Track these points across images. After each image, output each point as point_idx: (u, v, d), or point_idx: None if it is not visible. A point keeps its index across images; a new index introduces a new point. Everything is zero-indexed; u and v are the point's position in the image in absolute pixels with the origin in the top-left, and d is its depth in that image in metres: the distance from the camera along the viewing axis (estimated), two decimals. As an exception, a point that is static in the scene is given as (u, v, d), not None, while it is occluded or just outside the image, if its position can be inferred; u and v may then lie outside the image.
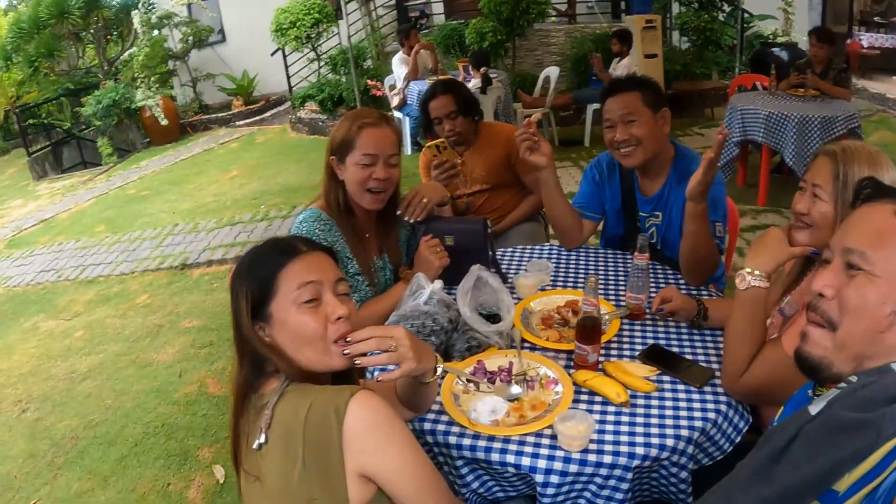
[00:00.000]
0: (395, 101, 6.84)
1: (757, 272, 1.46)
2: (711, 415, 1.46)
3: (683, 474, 1.40)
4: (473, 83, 5.96)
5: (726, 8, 8.67)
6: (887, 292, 0.93)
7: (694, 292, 2.03)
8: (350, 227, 1.95)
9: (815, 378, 1.02)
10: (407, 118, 6.72)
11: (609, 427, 1.41)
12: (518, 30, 7.74)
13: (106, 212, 7.18)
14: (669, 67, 7.75)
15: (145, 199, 7.31)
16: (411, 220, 2.04)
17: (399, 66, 6.76)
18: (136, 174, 8.63)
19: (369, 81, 7.85)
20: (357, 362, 1.16)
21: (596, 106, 6.60)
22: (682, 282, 2.09)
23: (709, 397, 1.52)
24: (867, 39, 10.14)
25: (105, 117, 9.67)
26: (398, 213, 2.03)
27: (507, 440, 1.37)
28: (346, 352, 1.15)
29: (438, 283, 1.70)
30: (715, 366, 1.65)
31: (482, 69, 6.07)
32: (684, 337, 1.78)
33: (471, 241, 2.01)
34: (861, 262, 0.95)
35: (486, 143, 2.89)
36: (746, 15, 8.41)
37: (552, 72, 6.75)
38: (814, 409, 0.93)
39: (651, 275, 1.98)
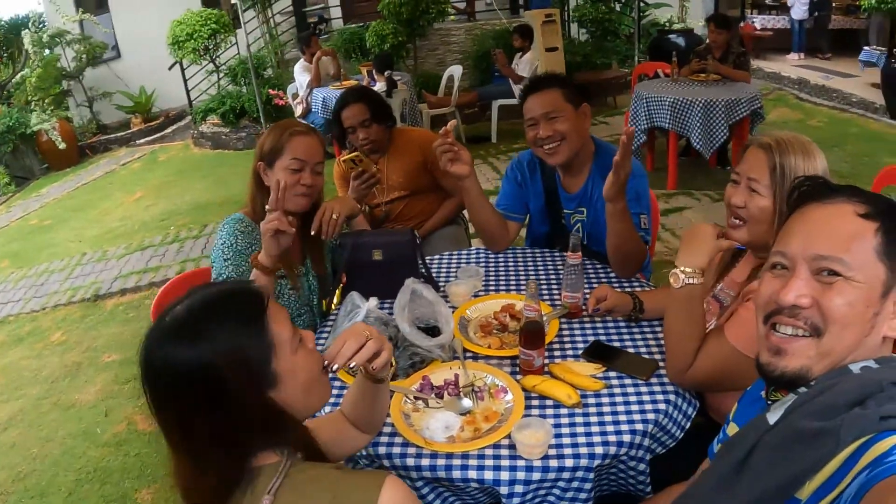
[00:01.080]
0: (298, 111, 6.85)
1: (689, 269, 1.53)
2: (662, 405, 1.54)
3: (641, 466, 1.47)
4: (378, 87, 6.00)
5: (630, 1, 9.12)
6: (870, 297, 0.95)
7: (626, 285, 2.13)
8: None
9: (784, 387, 1.02)
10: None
11: (565, 430, 1.46)
12: (419, 30, 7.86)
13: (8, 245, 6.89)
14: (570, 59, 8.12)
15: (49, 229, 7.05)
16: (325, 238, 2.06)
17: (301, 74, 6.78)
18: (37, 203, 8.29)
19: (271, 91, 7.82)
20: (352, 365, 1.11)
21: (501, 102, 6.81)
22: (612, 275, 2.19)
23: (656, 388, 1.61)
24: (760, 22, 10.88)
25: (-1, 145, 9.17)
26: (312, 232, 2.03)
27: (465, 455, 1.39)
28: (334, 367, 1.10)
29: (374, 301, 1.70)
30: (657, 356, 1.74)
31: (386, 72, 6.12)
32: (623, 331, 1.87)
33: (400, 254, 2.03)
34: (840, 269, 0.95)
35: (401, 149, 2.92)
36: (642, 4, 8.84)
37: (455, 70, 6.90)
38: (772, 416, 0.96)
39: (584, 272, 2.06)
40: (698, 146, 5.15)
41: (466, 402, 1.53)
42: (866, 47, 10.47)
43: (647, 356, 1.75)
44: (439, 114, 6.82)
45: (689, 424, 1.58)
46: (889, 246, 0.95)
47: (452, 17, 8.10)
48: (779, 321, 1.00)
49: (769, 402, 1.05)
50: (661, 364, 1.69)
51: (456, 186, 2.97)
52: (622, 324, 1.90)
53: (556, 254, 2.38)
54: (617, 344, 1.81)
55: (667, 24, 9.68)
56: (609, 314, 1.90)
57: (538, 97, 2.23)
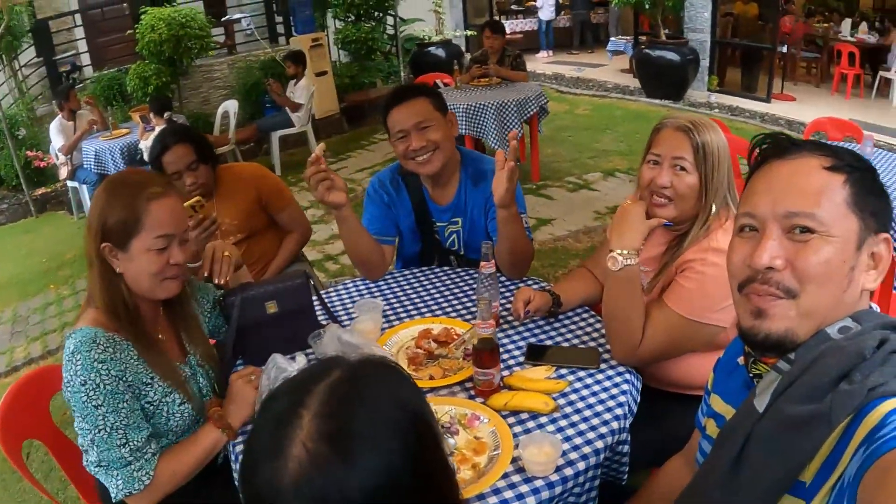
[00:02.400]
0: (63, 173, 6.30)
1: (625, 251, 1.64)
2: (625, 386, 1.64)
3: (626, 449, 1.54)
4: (158, 131, 5.62)
5: (381, 17, 9.45)
6: (844, 249, 0.96)
7: (522, 284, 2.21)
8: (140, 336, 1.61)
9: (776, 352, 1.01)
10: (84, 185, 6.20)
11: (559, 437, 1.46)
12: (181, 69, 7.51)
13: None
14: (339, 82, 8.30)
15: None
16: (220, 282, 1.84)
17: (57, 135, 6.18)
18: None
19: (29, 153, 6.99)
20: None
21: (281, 133, 6.71)
22: (502, 279, 2.24)
23: (611, 373, 1.70)
24: (509, 26, 11.82)
25: None
26: (205, 274, 1.84)
27: (482, 497, 1.32)
28: None
29: (302, 359, 1.57)
30: (592, 343, 1.84)
31: (165, 114, 5.73)
32: (548, 328, 1.94)
33: (297, 301, 1.89)
34: (813, 225, 0.96)
35: (229, 188, 2.75)
36: (398, 20, 9.23)
37: (230, 106, 6.68)
38: (759, 403, 0.98)
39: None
40: (495, 145, 5.46)
41: (450, 441, 1.46)
42: (612, 38, 11.78)
43: (582, 346, 1.82)
44: (220, 153, 6.54)
45: (639, 398, 1.68)
46: (858, 196, 0.97)
47: (211, 52, 7.83)
48: (753, 290, 1.01)
49: (751, 376, 1.08)
50: (601, 350, 1.78)
51: (294, 220, 2.93)
52: (542, 322, 1.97)
53: (440, 270, 2.39)
54: (550, 342, 1.86)
55: (425, 37, 10.16)
56: (533, 314, 1.95)
57: (406, 108, 2.22)
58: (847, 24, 11.62)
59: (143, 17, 7.09)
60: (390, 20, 9.66)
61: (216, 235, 2.51)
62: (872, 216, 0.98)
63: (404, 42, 9.50)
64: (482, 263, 1.91)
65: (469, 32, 11.77)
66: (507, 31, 11.24)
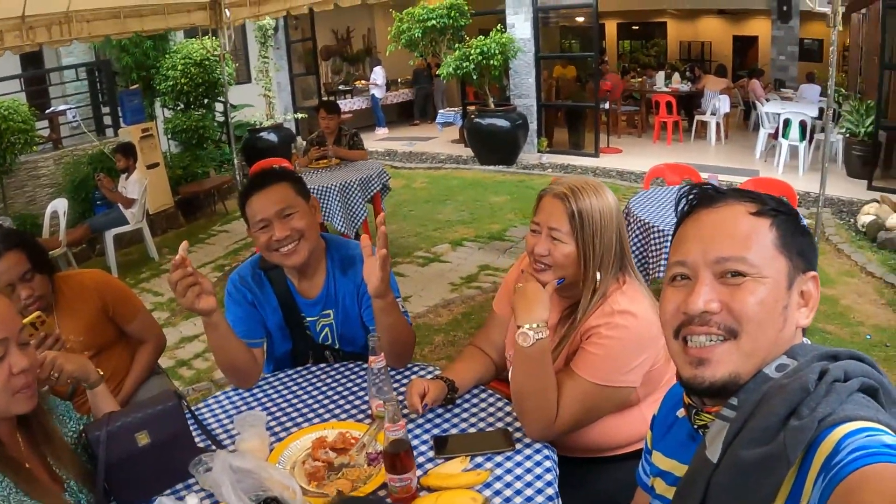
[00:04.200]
0: None
1: (536, 325, 1.61)
2: (548, 463, 1.60)
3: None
4: None
5: (210, 104, 9.28)
6: (777, 290, 1.00)
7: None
8: (8, 465, 1.38)
9: (719, 396, 1.02)
10: None
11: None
12: (4, 166, 6.87)
13: None
14: (171, 174, 7.98)
15: None
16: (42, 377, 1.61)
17: None
18: None
19: None
20: None
21: (114, 231, 6.26)
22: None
23: (529, 451, 1.65)
24: (344, 105, 11.98)
25: None
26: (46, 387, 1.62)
27: None
28: None
29: (193, 501, 1.36)
30: (500, 423, 1.78)
31: None
32: (449, 416, 1.85)
33: (171, 428, 1.67)
34: (745, 268, 1.00)
35: (71, 300, 2.46)
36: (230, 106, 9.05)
37: (59, 205, 6.10)
38: (712, 454, 0.98)
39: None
40: (342, 228, 5.38)
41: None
42: (441, 110, 12.19)
43: (491, 429, 1.75)
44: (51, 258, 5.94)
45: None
46: (784, 238, 1.02)
47: (36, 147, 7.23)
48: (690, 332, 1.02)
49: (695, 428, 1.08)
50: (510, 429, 1.73)
51: (146, 329, 2.67)
52: (440, 410, 1.87)
53: (317, 369, 2.23)
54: (455, 431, 1.77)
55: (256, 123, 10.01)
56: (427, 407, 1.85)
57: (267, 194, 2.09)
58: (661, 76, 12.90)
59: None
60: (220, 107, 9.48)
61: None
62: (799, 256, 1.03)
63: (235, 128, 9.29)
64: (371, 358, 1.79)
65: (299, 115, 11.78)
66: (344, 109, 11.43)
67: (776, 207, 1.04)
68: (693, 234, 1.06)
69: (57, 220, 6.08)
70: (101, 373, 1.84)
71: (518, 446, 1.66)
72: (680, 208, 1.11)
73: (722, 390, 1.00)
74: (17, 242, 2.30)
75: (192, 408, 1.91)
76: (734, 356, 1.00)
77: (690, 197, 1.10)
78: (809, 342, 1.05)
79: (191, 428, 1.75)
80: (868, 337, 4.27)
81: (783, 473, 0.88)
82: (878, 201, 6.45)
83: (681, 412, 1.16)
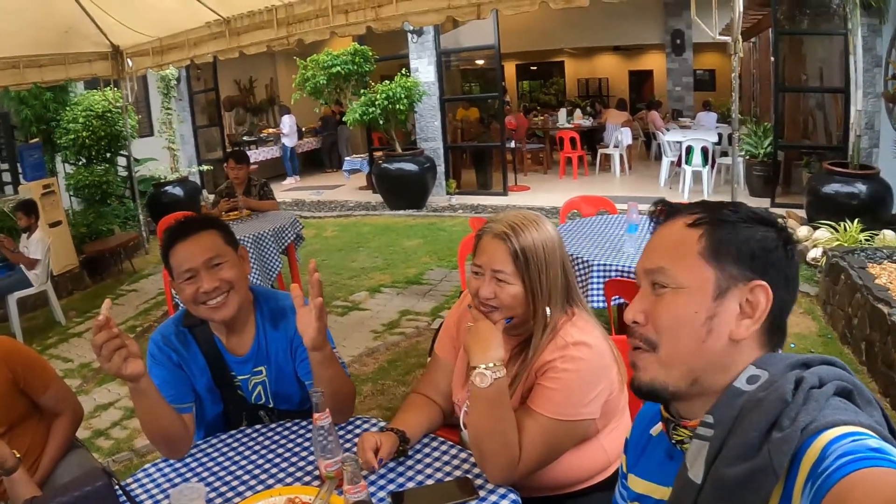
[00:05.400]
0: None
1: (493, 364, 1.56)
2: None
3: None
4: None
5: (113, 158, 8.96)
6: (697, 301, 1.00)
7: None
8: None
9: (657, 401, 1.07)
10: None
11: None
12: None
13: None
14: (75, 232, 7.63)
15: None
16: None
17: None
18: None
19: None
20: None
21: (17, 294, 5.86)
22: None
23: (494, 498, 1.58)
24: (254, 155, 11.79)
25: None
26: None
27: None
28: None
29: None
30: (458, 472, 1.70)
31: None
32: (403, 469, 1.75)
33: (100, 510, 1.51)
34: (664, 279, 1.03)
35: None
36: (133, 160, 8.75)
37: (-42, 267, 5.66)
38: (695, 475, 0.96)
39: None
40: (257, 281, 5.21)
41: None
42: (347, 157, 12.17)
43: (450, 478, 1.68)
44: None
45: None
46: (713, 247, 1.01)
47: (-71, 206, 6.75)
48: (628, 344, 1.09)
49: (673, 443, 1.07)
50: (468, 475, 1.67)
51: (61, 400, 2.43)
52: (393, 464, 1.78)
53: (253, 431, 2.08)
54: (412, 484, 1.68)
55: (161, 177, 9.68)
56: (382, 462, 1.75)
57: (193, 243, 1.96)
58: (563, 113, 13.35)
59: None
60: (123, 161, 9.12)
61: None
62: (741, 264, 1.00)
63: (139, 183, 8.96)
64: (315, 415, 1.68)
65: (204, 168, 11.46)
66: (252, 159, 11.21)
67: (712, 217, 1.03)
68: (645, 248, 1.11)
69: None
70: (18, 455, 1.66)
71: (482, 493, 1.59)
72: (650, 227, 1.14)
73: (650, 394, 1.05)
74: None
75: (122, 484, 1.74)
76: (654, 365, 1.03)
77: (652, 217, 1.13)
78: (778, 353, 1.04)
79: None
80: (792, 346, 4.41)
81: (771, 487, 0.87)
82: (783, 217, 6.81)
83: (655, 429, 1.16)
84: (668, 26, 14.20)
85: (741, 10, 3.90)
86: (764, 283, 1.00)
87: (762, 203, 8.08)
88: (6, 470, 1.62)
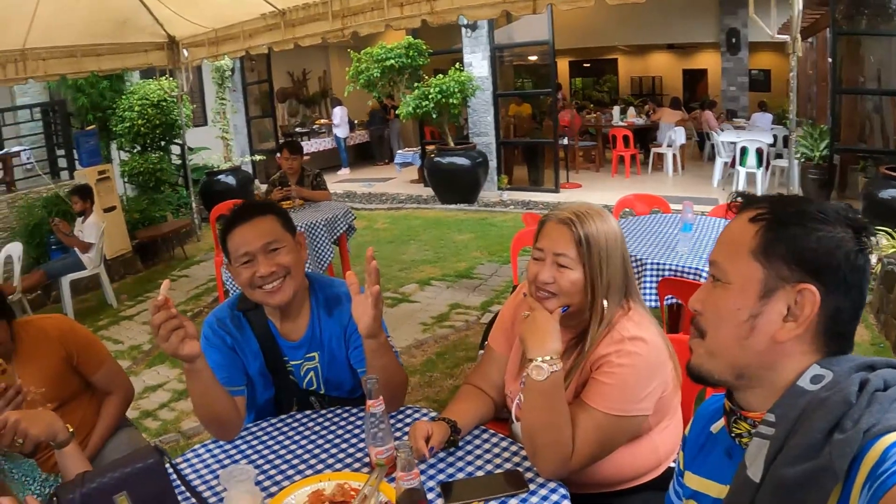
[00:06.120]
0: None
1: (549, 357, 1.54)
2: (565, 502, 1.52)
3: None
4: None
5: (167, 146, 9.17)
6: (741, 298, 1.00)
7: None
8: None
9: (707, 385, 1.11)
10: None
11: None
12: None
13: None
14: (128, 218, 7.79)
15: None
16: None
17: None
18: None
19: None
20: None
21: (71, 276, 6.02)
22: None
23: (544, 491, 1.56)
24: (307, 146, 11.92)
25: None
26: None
27: None
28: None
29: None
30: (508, 464, 1.68)
31: None
32: (453, 459, 1.74)
33: (153, 487, 1.52)
34: (718, 273, 1.04)
35: (31, 348, 2.28)
36: (187, 149, 8.92)
37: (13, 249, 5.82)
38: (754, 474, 0.95)
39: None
40: (310, 269, 5.25)
41: None
42: (399, 151, 12.22)
43: (500, 471, 1.66)
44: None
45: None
46: (765, 245, 0.99)
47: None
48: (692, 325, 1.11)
49: (732, 436, 1.06)
50: (519, 468, 1.65)
51: (113, 380, 2.49)
52: (443, 454, 1.76)
53: (303, 416, 2.09)
54: (462, 475, 1.66)
55: (214, 165, 9.86)
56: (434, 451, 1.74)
57: (252, 227, 1.98)
58: (617, 111, 13.17)
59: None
60: (177, 149, 9.29)
61: (22, 408, 2.04)
62: (791, 265, 0.97)
63: (192, 171, 9.13)
64: (369, 402, 1.67)
65: (256, 158, 11.65)
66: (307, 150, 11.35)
67: (775, 212, 1.00)
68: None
69: (11, 266, 5.82)
70: (71, 429, 1.69)
71: (532, 486, 1.57)
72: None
73: (698, 378, 1.07)
74: None
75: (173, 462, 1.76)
76: (701, 352, 1.07)
77: (731, 207, 1.11)
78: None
79: (174, 487, 1.60)
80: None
81: (830, 488, 0.87)
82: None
83: (716, 426, 1.15)
84: (723, 24, 13.87)
85: (801, 7, 3.78)
86: (812, 286, 0.96)
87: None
88: (59, 443, 1.65)
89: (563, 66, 19.41)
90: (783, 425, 0.94)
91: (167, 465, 1.58)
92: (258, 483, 1.74)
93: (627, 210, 5.30)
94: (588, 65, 20.40)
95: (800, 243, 0.97)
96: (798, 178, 8.65)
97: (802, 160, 8.45)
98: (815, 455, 0.88)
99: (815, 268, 0.96)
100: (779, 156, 9.67)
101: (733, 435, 1.06)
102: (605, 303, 1.66)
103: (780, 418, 0.95)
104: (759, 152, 8.63)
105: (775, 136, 9.83)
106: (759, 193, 6.01)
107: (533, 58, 12.23)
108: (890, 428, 0.86)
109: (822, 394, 0.93)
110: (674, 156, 11.01)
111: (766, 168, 8.88)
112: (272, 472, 1.81)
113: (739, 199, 1.09)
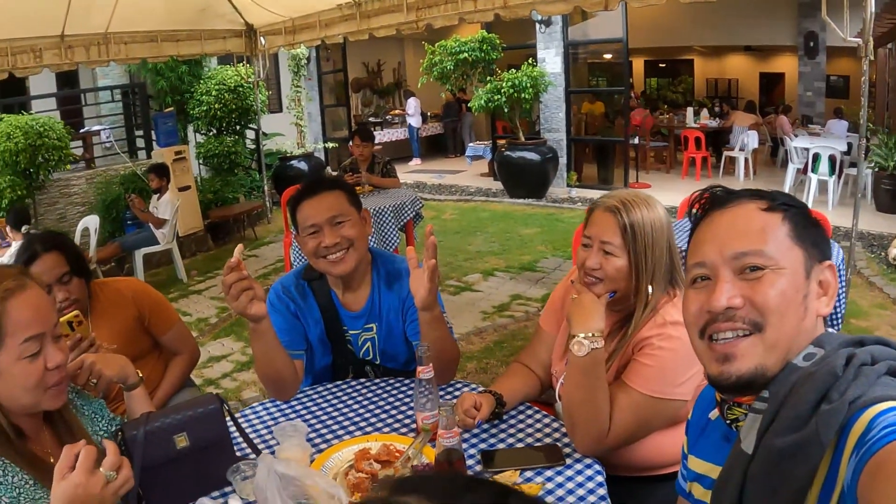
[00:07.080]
0: None
1: (592, 334, 1.58)
2: (599, 478, 1.56)
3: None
4: (14, 247, 5.03)
5: (242, 130, 9.43)
6: (796, 280, 1.02)
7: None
8: (32, 462, 1.35)
9: (749, 392, 1.04)
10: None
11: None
12: (38, 182, 7.03)
13: None
14: (202, 198, 8.02)
15: None
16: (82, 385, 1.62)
17: None
18: None
19: None
20: None
21: (144, 250, 6.33)
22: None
23: (579, 466, 1.60)
24: (378, 136, 12.06)
25: None
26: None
27: None
28: None
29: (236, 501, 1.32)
30: (548, 439, 1.73)
31: (23, 228, 5.16)
32: (495, 430, 1.80)
33: (211, 432, 1.63)
34: (762, 261, 1.02)
35: (106, 306, 2.44)
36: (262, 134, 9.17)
37: (91, 222, 6.14)
38: (747, 446, 0.98)
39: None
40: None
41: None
42: (469, 144, 12.27)
43: (539, 444, 1.71)
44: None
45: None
46: (798, 229, 1.04)
47: (67, 165, 7.33)
48: (716, 329, 1.04)
49: (728, 423, 1.09)
50: (558, 443, 1.70)
51: (181, 341, 2.63)
52: (487, 425, 1.82)
53: (358, 383, 2.17)
54: (502, 445, 1.72)
55: (287, 151, 10.12)
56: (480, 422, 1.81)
57: (319, 201, 2.08)
58: (690, 112, 12.87)
59: (-3, 124, 6.60)
60: (251, 134, 9.58)
61: None
62: (814, 246, 1.05)
63: (266, 156, 9.40)
64: (419, 368, 1.75)
65: (329, 145, 11.90)
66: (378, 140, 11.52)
67: (786, 202, 1.06)
68: (709, 236, 1.08)
69: (87, 237, 6.12)
70: (141, 374, 1.81)
71: (568, 461, 1.61)
72: (693, 213, 1.13)
73: (749, 385, 1.02)
74: (55, 245, 2.30)
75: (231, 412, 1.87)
76: (759, 349, 1.01)
77: (702, 201, 1.13)
78: (834, 332, 1.05)
79: (231, 434, 1.71)
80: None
81: (818, 458, 0.89)
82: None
83: (713, 414, 1.17)
84: (801, 27, 13.33)
85: (873, 10, 3.66)
86: (832, 263, 1.06)
87: (888, 219, 7.60)
88: (129, 385, 1.76)
89: (638, 65, 19.08)
90: (775, 399, 0.97)
91: (226, 413, 1.69)
92: (309, 439, 1.84)
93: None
94: (664, 65, 19.99)
95: (815, 227, 1.06)
96: (871, 187, 8.33)
97: (876, 169, 8.11)
98: (802, 426, 0.91)
99: (825, 247, 1.06)
100: (853, 164, 9.27)
101: (728, 421, 1.09)
102: (649, 289, 1.69)
103: (773, 393, 0.98)
104: (831, 159, 8.33)
105: (850, 144, 9.43)
106: (830, 202, 5.91)
107: (607, 56, 12.10)
108: (876, 399, 0.88)
109: (811, 368, 0.97)
110: (746, 160, 10.73)
111: (839, 176, 8.56)
112: (323, 430, 1.90)
113: (711, 195, 1.12)
